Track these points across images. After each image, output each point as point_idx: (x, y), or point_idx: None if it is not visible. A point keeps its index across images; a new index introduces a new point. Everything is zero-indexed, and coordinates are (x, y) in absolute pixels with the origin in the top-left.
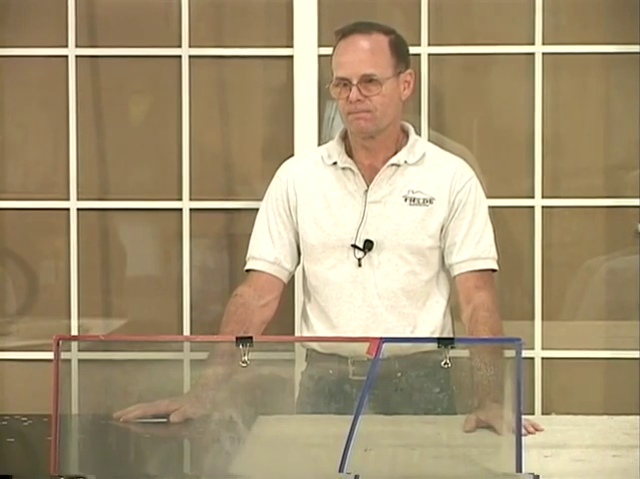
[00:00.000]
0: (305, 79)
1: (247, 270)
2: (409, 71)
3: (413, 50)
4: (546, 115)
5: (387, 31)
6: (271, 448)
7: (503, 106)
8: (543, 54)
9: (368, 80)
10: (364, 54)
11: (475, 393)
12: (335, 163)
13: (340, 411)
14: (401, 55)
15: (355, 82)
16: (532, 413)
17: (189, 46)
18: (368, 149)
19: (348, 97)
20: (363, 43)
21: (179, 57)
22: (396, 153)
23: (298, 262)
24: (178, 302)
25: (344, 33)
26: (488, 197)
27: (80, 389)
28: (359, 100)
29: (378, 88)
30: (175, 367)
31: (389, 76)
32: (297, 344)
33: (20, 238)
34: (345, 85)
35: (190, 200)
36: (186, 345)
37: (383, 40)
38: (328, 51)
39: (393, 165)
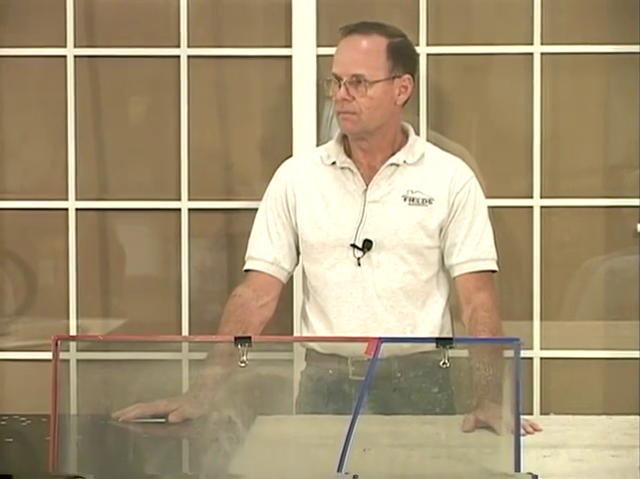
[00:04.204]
0: (304, 79)
1: (246, 271)
2: (407, 76)
3: None
4: (545, 115)
5: (390, 34)
6: (270, 448)
7: (502, 106)
8: (542, 54)
9: (357, 80)
10: (357, 54)
11: (473, 393)
12: (334, 162)
13: (339, 411)
14: (399, 59)
15: (344, 80)
16: (531, 413)
17: (188, 46)
18: (363, 149)
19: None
20: (360, 43)
21: (178, 57)
22: (394, 153)
23: (297, 263)
24: (177, 303)
25: (345, 31)
26: (487, 197)
27: (79, 389)
28: (345, 99)
29: (364, 90)
30: (174, 367)
31: (380, 79)
32: (296, 344)
33: (19, 238)
34: (337, 82)
35: (189, 200)
36: (185, 345)
37: (381, 42)
38: (327, 51)
39: (392, 164)
